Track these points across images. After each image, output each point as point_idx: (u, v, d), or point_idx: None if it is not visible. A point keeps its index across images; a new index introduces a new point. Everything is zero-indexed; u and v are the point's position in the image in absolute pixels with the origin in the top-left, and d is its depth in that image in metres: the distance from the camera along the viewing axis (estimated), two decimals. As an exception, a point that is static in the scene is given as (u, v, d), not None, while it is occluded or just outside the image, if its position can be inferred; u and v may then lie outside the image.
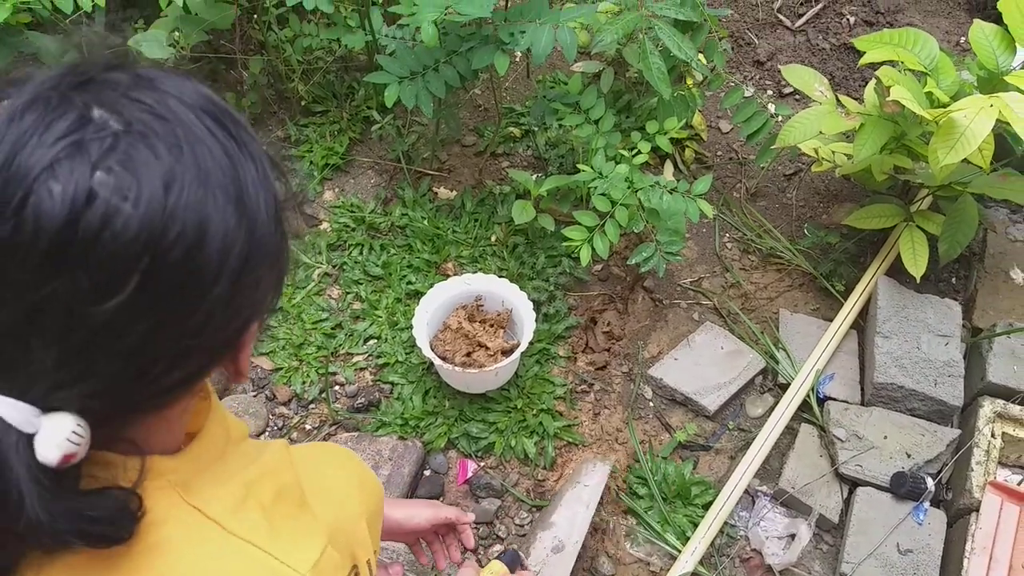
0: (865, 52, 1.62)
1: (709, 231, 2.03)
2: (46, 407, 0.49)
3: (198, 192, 0.48)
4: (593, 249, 1.64)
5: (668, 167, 2.15)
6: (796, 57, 2.33)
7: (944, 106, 1.51)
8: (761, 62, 2.31)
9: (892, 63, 1.59)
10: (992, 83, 1.61)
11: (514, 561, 1.12)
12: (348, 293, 1.85)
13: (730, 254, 1.99)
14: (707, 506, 1.50)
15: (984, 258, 1.87)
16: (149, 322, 0.48)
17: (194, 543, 0.57)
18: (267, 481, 0.64)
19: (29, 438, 0.48)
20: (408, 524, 1.04)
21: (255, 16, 2.03)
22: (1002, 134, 1.53)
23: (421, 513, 1.05)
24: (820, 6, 2.39)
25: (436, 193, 2.07)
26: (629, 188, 1.66)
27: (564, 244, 1.69)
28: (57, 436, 0.49)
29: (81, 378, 0.49)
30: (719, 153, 2.21)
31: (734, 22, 2.38)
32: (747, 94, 2.25)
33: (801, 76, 1.70)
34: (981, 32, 1.62)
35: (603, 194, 1.67)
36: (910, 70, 1.58)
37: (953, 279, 1.91)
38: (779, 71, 2.30)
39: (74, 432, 0.49)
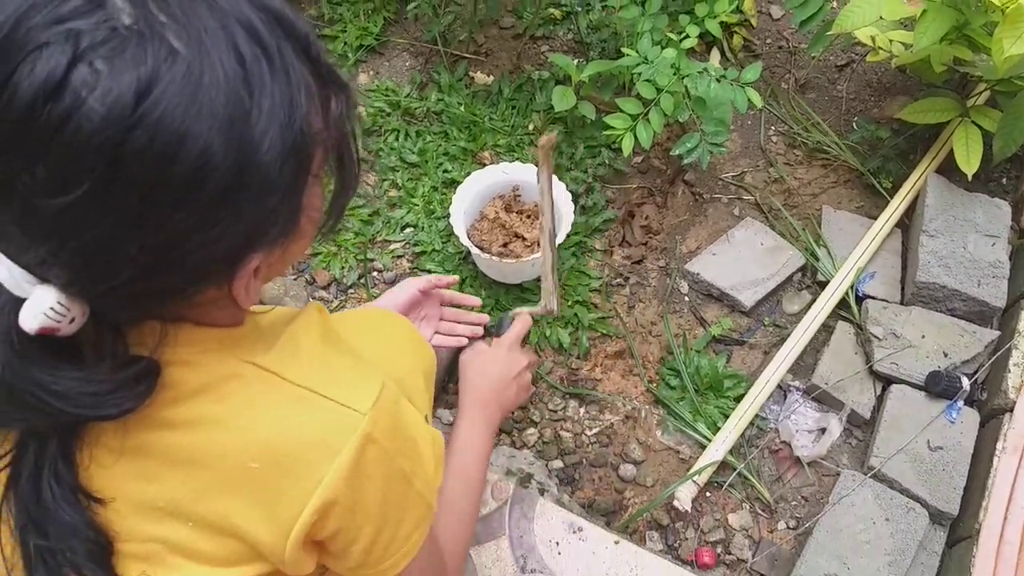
0: (936, -69, 1.51)
1: (754, 124, 1.97)
2: (39, 276, 0.50)
3: (180, 106, 0.46)
4: (636, 139, 1.60)
5: (715, 54, 2.06)
6: (856, -63, 2.18)
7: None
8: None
9: (965, -57, 1.48)
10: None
11: (502, 326, 1.29)
12: (384, 180, 1.84)
13: (775, 148, 1.93)
14: (739, 399, 1.51)
15: (1040, 157, 1.81)
16: (104, 226, 0.47)
17: (254, 393, 0.61)
18: (310, 332, 0.66)
19: (17, 303, 0.50)
20: (395, 303, 1.19)
21: None
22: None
23: (401, 293, 1.22)
24: None
25: (473, 78, 2.01)
26: (675, 74, 1.60)
27: (605, 133, 1.65)
28: (38, 307, 0.50)
29: (51, 261, 0.49)
30: (768, 41, 2.11)
31: None
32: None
33: (865, -43, 1.60)
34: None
35: (648, 80, 1.61)
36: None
37: (1004, 179, 1.85)
38: (837, -48, 2.17)
39: (53, 308, 0.50)
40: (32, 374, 0.52)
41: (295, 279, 1.70)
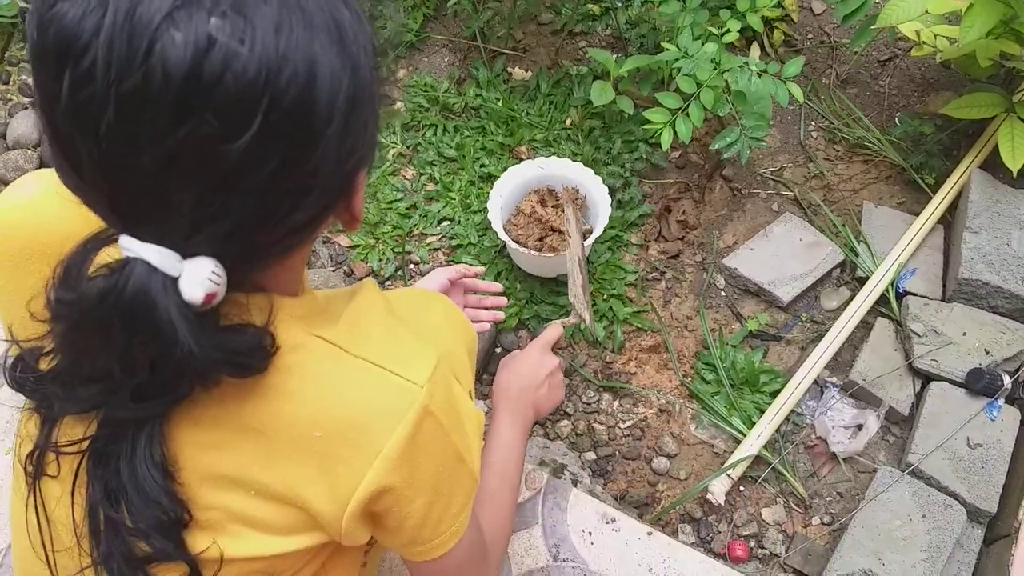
0: (983, -77, 1.49)
1: (794, 119, 1.96)
2: (185, 253, 0.53)
3: (305, 34, 0.51)
4: (675, 133, 1.60)
5: (755, 49, 2.05)
6: (901, -70, 2.15)
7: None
8: (862, -64, 2.15)
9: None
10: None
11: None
12: (422, 174, 1.86)
13: (815, 143, 1.92)
14: (775, 394, 1.51)
15: (1089, 154, 1.76)
16: (274, 161, 0.51)
17: (320, 365, 0.64)
18: (371, 309, 0.70)
19: (174, 281, 0.52)
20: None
21: None
22: None
23: (431, 281, 1.26)
24: None
25: (511, 73, 2.03)
26: (716, 69, 1.60)
27: (643, 128, 1.65)
28: (199, 276, 0.53)
29: (216, 219, 0.52)
30: (809, 36, 2.09)
31: None
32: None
33: (909, -50, 1.58)
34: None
35: (688, 75, 1.61)
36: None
37: (1052, 176, 1.81)
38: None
39: (213, 272, 0.54)
40: (215, 339, 0.55)
41: (334, 270, 1.73)
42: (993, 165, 1.70)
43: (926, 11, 1.50)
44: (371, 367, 0.64)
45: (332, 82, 0.52)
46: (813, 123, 1.95)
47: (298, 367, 0.62)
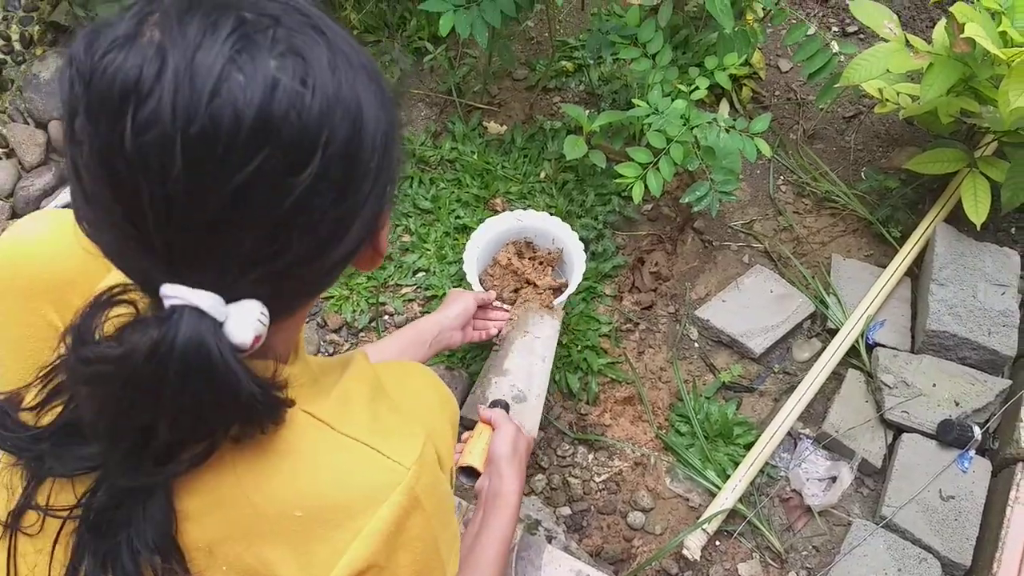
0: (939, -12, 1.55)
1: (763, 173, 2.00)
2: (229, 297, 0.53)
3: (350, 74, 0.53)
4: (645, 187, 1.62)
5: (724, 106, 2.10)
6: (863, -7, 2.23)
7: (1019, 46, 1.45)
8: (825, 0, 2.23)
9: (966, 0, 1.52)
10: (1073, 23, 1.53)
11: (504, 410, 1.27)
12: (398, 226, 1.87)
13: (784, 197, 1.95)
14: (749, 446, 1.51)
15: (1049, 207, 1.81)
16: (330, 195, 0.53)
17: (309, 442, 0.62)
18: (362, 384, 0.68)
19: (221, 325, 0.53)
20: (452, 314, 1.37)
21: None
22: (1080, 77, 1.47)
23: (458, 305, 1.39)
24: (891, -61, 2.28)
25: (486, 127, 2.06)
26: (685, 125, 1.64)
27: (616, 181, 1.67)
28: (249, 318, 0.54)
29: (272, 256, 0.53)
30: (777, 93, 2.15)
31: (799, -45, 2.29)
32: (810, 32, 2.17)
33: (869, 12, 1.64)
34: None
35: (658, 130, 1.64)
36: (984, 8, 1.52)
37: (1013, 229, 1.86)
38: (844, 9, 2.22)
39: (262, 313, 0.55)
40: (260, 382, 0.55)
41: (307, 322, 1.72)
42: (957, 218, 1.74)
43: (887, 70, 1.55)
44: (359, 446, 0.62)
45: (375, 118, 0.55)
46: (782, 177, 1.99)
47: (284, 443, 0.60)
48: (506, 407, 1.33)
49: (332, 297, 1.74)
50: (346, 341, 1.70)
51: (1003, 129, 1.63)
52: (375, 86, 0.55)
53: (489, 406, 1.30)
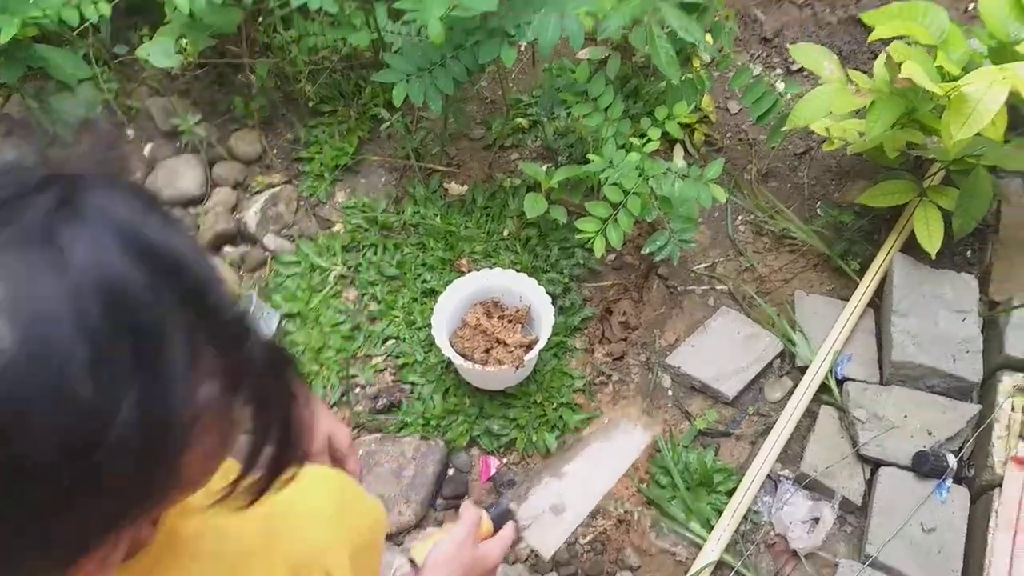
0: (874, 27, 1.60)
1: (721, 214, 2.03)
2: None
3: (16, 388, 0.40)
4: (607, 240, 1.64)
5: (678, 151, 2.13)
6: (803, 32, 2.30)
7: (955, 79, 1.50)
8: (768, 39, 2.29)
9: (902, 38, 1.57)
10: (1003, 53, 1.59)
11: (502, 518, 1.03)
12: (364, 294, 1.87)
13: (743, 237, 1.98)
14: (730, 493, 1.51)
15: (999, 229, 1.85)
16: None
17: None
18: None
19: None
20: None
21: (260, 19, 2.04)
22: (1015, 105, 1.52)
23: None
24: (825, -21, 2.36)
25: (447, 189, 2.07)
26: (640, 176, 1.66)
27: (577, 236, 1.69)
28: None
29: None
30: (728, 135, 2.19)
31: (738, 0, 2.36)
32: (755, 73, 2.22)
33: (809, 54, 1.69)
34: (992, 1, 1.60)
35: (615, 183, 1.67)
36: (920, 44, 1.57)
37: (968, 252, 1.89)
38: (787, 48, 2.28)
39: None
40: None
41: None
42: (914, 247, 1.77)
43: (831, 111, 1.59)
44: None
45: (40, 445, 0.42)
46: (740, 217, 2.02)
47: None
48: (508, 515, 1.07)
49: (299, 374, 1.73)
50: (319, 417, 1.68)
51: (948, 159, 1.67)
52: (53, 402, 0.40)
53: (493, 504, 1.07)
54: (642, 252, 1.74)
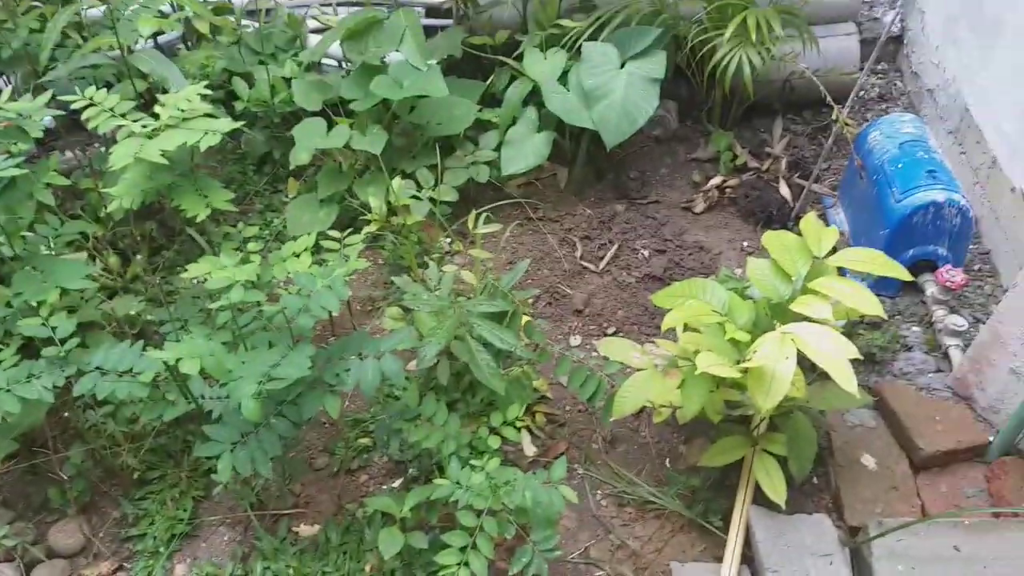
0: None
1: (581, 492, 2.02)
2: None
3: None
4: (472, 573, 1.57)
5: (525, 436, 2.16)
6: (608, 296, 2.47)
7: (747, 344, 1.62)
8: (580, 310, 2.44)
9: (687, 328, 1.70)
10: (781, 309, 1.75)
11: None
12: None
13: (607, 512, 1.98)
14: None
15: (833, 452, 1.96)
16: None
17: None
18: None
19: None
20: None
21: (68, 406, 1.94)
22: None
23: None
24: (615, 247, 2.59)
25: (297, 533, 1.96)
26: (491, 488, 1.63)
27: (440, 574, 1.61)
28: None
29: None
30: (567, 407, 2.25)
31: (546, 279, 2.52)
32: (575, 343, 2.35)
33: (615, 347, 1.80)
34: (758, 269, 1.78)
35: (467, 507, 1.63)
36: (706, 324, 1.69)
37: (815, 478, 1.97)
38: (599, 316, 2.43)
39: None
40: None
41: None
42: (764, 497, 1.82)
43: (648, 400, 1.67)
44: None
45: None
46: (599, 491, 2.02)
47: None
48: None
49: None
50: None
51: (765, 415, 1.78)
52: None
53: None
54: (509, 575, 1.67)
